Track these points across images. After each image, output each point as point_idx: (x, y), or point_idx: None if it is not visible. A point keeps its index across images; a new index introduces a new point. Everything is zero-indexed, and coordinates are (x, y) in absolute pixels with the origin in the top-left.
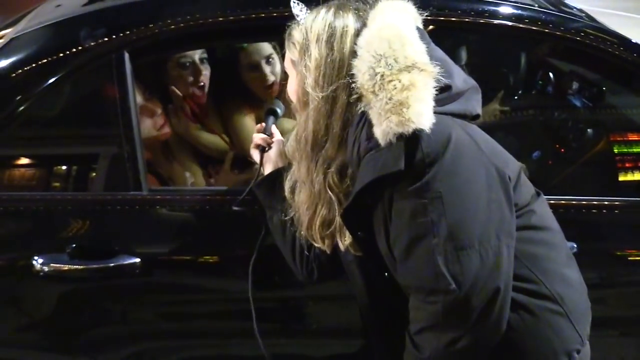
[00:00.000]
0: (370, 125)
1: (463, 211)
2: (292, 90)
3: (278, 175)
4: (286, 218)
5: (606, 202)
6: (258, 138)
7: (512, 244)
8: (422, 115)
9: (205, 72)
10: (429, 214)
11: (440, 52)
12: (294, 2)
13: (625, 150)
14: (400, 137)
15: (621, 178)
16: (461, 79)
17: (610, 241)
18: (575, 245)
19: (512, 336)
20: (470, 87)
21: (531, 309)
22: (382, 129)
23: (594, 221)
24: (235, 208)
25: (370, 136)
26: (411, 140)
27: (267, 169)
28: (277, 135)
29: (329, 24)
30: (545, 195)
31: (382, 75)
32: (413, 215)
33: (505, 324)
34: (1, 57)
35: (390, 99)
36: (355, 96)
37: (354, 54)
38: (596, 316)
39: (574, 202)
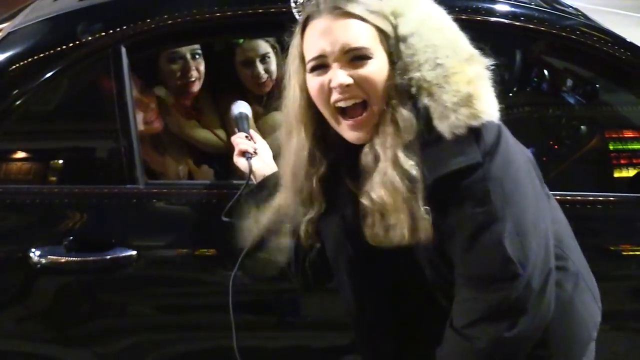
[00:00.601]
0: (429, 119)
1: (520, 196)
2: (380, 76)
3: (271, 180)
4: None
5: (601, 198)
6: (243, 144)
7: (550, 226)
8: (491, 106)
9: (199, 66)
10: (493, 200)
11: None
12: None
13: (620, 147)
14: (470, 129)
15: (615, 174)
16: None
17: (604, 236)
18: None
19: (553, 316)
20: None
21: (566, 287)
22: (451, 122)
23: (588, 216)
24: (224, 219)
25: (431, 129)
26: (476, 131)
27: (258, 176)
28: (258, 139)
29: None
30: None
31: (443, 67)
32: (477, 204)
33: (553, 303)
34: None
35: (458, 91)
36: (414, 89)
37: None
38: None
39: (568, 197)
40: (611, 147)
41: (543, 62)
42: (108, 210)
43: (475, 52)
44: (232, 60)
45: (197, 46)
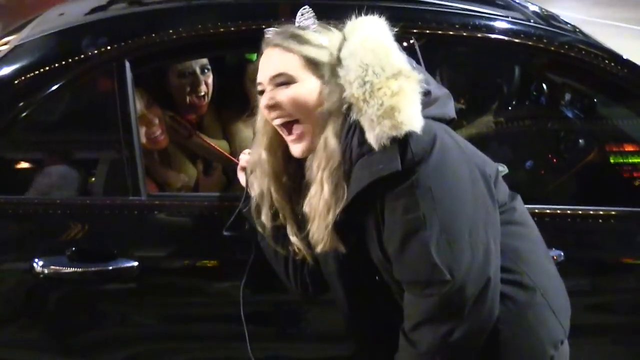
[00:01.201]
0: (361, 132)
1: (452, 205)
2: (304, 98)
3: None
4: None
5: (601, 212)
6: (243, 160)
7: (498, 236)
8: (413, 118)
9: (207, 80)
10: (421, 208)
11: (414, 62)
12: (306, 12)
13: (620, 160)
14: (394, 139)
15: (615, 187)
16: (435, 85)
17: (602, 249)
18: (562, 253)
19: (500, 327)
20: (444, 93)
21: (516, 299)
22: (376, 134)
23: (586, 230)
24: (225, 233)
25: (362, 142)
26: (402, 142)
27: (255, 190)
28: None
29: (335, 35)
30: (537, 204)
31: (371, 84)
32: (406, 211)
33: (496, 313)
34: (5, 64)
35: (381, 104)
36: (345, 106)
37: (338, 64)
38: (588, 323)
39: (568, 211)
40: (612, 161)
41: (542, 77)
42: (110, 222)
43: (405, 69)
44: (238, 75)
45: (206, 60)
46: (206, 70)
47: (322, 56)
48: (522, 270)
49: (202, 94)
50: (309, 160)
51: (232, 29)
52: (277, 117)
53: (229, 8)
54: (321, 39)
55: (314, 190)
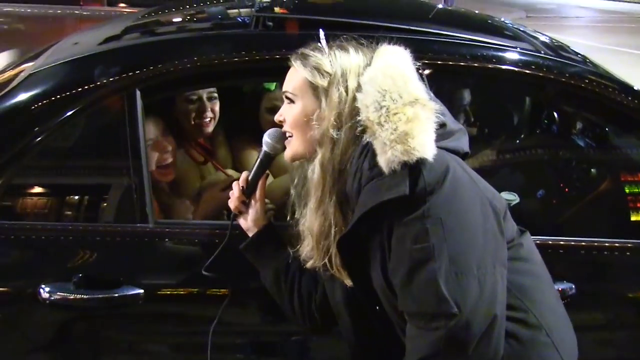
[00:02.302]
0: (373, 155)
1: (462, 237)
2: (298, 118)
3: (267, 234)
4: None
5: (617, 244)
6: (232, 201)
7: (505, 273)
8: (425, 145)
9: (214, 107)
10: (431, 238)
11: (432, 94)
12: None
13: (635, 190)
14: (405, 165)
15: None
16: (451, 120)
17: (617, 283)
18: (574, 286)
19: None
20: (460, 128)
21: (520, 338)
22: (387, 157)
23: (600, 262)
24: (205, 273)
25: (373, 165)
26: (414, 169)
27: (251, 230)
28: (258, 193)
29: (355, 62)
30: (548, 235)
31: (387, 108)
32: (415, 240)
33: (502, 353)
34: (20, 91)
35: (395, 129)
36: (360, 129)
37: (358, 89)
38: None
39: (583, 243)
40: (626, 191)
41: (553, 107)
42: (117, 249)
43: (422, 97)
44: (252, 104)
45: (213, 89)
46: (213, 98)
47: (322, 81)
48: (526, 307)
49: (208, 119)
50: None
51: (241, 59)
52: (285, 131)
53: (237, 39)
54: (326, 63)
55: (308, 210)
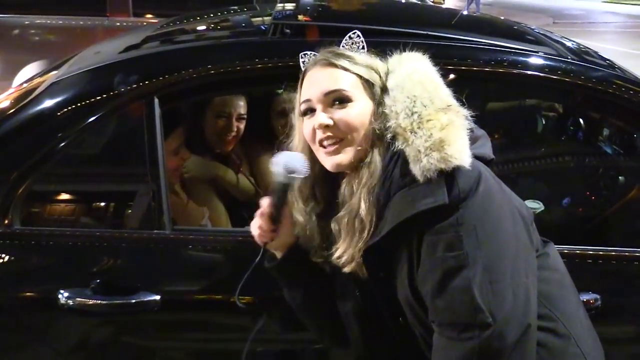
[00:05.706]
0: (405, 162)
1: (496, 245)
2: (359, 118)
3: (296, 253)
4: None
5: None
6: (260, 236)
7: (536, 282)
8: (462, 152)
9: (240, 126)
10: (465, 246)
11: (462, 99)
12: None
13: None
14: (441, 173)
15: None
16: (474, 125)
17: None
18: (599, 297)
19: None
20: (483, 134)
21: (551, 348)
22: (423, 165)
23: (629, 273)
24: (239, 304)
25: (406, 173)
26: (449, 177)
27: (279, 252)
28: (286, 219)
29: (381, 65)
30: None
31: (419, 115)
32: (448, 248)
33: None
34: (44, 99)
35: (430, 136)
36: (389, 135)
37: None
38: None
39: (613, 253)
40: None
41: (579, 113)
42: (135, 255)
43: (454, 104)
44: (263, 108)
45: (243, 110)
46: (241, 119)
47: (375, 78)
48: (556, 317)
49: (230, 137)
50: (344, 182)
51: (259, 66)
52: (328, 138)
53: (254, 46)
54: (372, 62)
55: (348, 207)
